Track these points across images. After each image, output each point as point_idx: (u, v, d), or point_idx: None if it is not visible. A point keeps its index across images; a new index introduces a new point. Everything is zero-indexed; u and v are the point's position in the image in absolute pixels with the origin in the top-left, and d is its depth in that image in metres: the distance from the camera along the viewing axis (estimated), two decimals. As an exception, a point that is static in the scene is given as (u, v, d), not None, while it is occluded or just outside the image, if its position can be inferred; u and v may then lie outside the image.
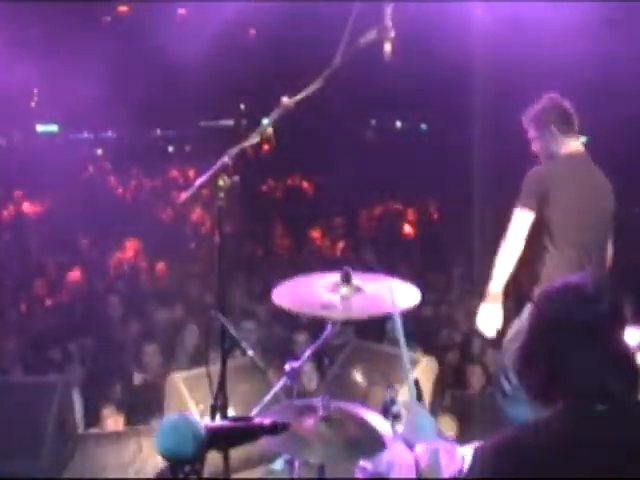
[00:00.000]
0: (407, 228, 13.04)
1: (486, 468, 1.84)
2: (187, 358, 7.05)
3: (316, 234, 12.08)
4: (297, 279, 3.13)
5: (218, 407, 2.97)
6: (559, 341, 1.89)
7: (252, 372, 4.73)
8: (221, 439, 1.90)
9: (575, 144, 4.59)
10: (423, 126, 27.08)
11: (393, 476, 3.24)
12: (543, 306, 1.97)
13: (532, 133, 4.63)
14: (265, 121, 3.12)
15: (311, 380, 6.12)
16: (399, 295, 2.92)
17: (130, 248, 10.84)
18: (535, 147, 4.65)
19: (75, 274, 9.67)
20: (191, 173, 16.87)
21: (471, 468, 1.91)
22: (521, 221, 4.40)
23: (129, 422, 5.80)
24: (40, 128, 24.95)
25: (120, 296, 8.78)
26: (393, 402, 3.11)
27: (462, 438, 3.81)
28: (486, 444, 1.90)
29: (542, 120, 4.56)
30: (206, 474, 1.84)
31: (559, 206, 4.37)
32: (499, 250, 4.45)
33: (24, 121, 22.03)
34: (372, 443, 2.81)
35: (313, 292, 2.98)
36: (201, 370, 3.89)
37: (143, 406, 6.00)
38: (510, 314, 4.52)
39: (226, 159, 3.08)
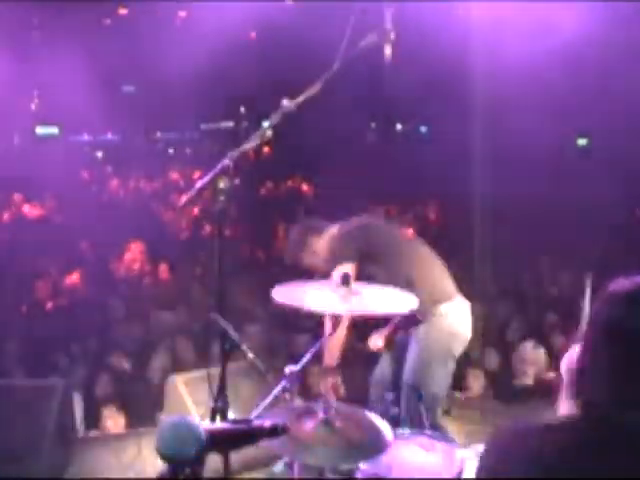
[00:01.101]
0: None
1: (499, 461, 1.81)
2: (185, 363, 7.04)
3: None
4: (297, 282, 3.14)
5: (218, 409, 2.97)
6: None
7: (252, 374, 4.73)
8: (221, 441, 1.90)
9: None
10: (422, 128, 27.13)
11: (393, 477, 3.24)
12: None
13: (315, 262, 4.49)
14: (265, 124, 3.12)
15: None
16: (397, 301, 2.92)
17: (134, 250, 10.84)
18: (322, 262, 4.45)
19: (75, 276, 9.68)
20: (190, 175, 16.88)
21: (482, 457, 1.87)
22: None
23: (130, 423, 5.81)
24: (40, 130, 24.96)
25: (122, 298, 8.78)
26: (393, 403, 3.11)
27: (462, 441, 3.81)
28: (499, 434, 1.88)
29: (301, 246, 4.50)
30: (206, 476, 1.84)
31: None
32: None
33: (24, 123, 22.05)
34: (372, 445, 2.80)
35: (313, 292, 2.99)
36: (201, 372, 3.90)
37: (144, 407, 6.00)
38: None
39: (226, 161, 3.07)
